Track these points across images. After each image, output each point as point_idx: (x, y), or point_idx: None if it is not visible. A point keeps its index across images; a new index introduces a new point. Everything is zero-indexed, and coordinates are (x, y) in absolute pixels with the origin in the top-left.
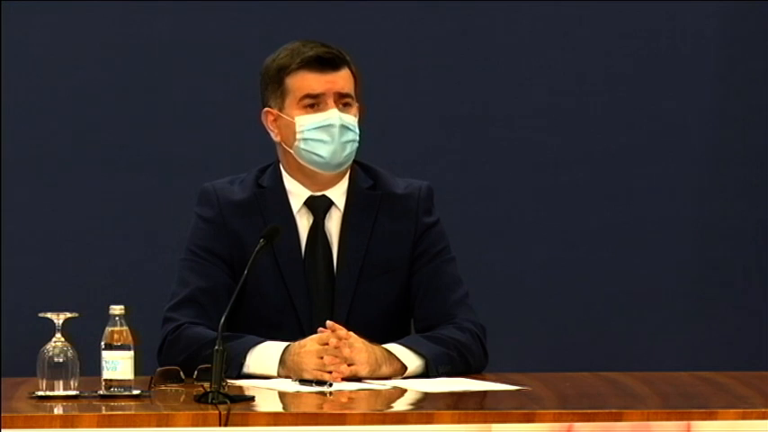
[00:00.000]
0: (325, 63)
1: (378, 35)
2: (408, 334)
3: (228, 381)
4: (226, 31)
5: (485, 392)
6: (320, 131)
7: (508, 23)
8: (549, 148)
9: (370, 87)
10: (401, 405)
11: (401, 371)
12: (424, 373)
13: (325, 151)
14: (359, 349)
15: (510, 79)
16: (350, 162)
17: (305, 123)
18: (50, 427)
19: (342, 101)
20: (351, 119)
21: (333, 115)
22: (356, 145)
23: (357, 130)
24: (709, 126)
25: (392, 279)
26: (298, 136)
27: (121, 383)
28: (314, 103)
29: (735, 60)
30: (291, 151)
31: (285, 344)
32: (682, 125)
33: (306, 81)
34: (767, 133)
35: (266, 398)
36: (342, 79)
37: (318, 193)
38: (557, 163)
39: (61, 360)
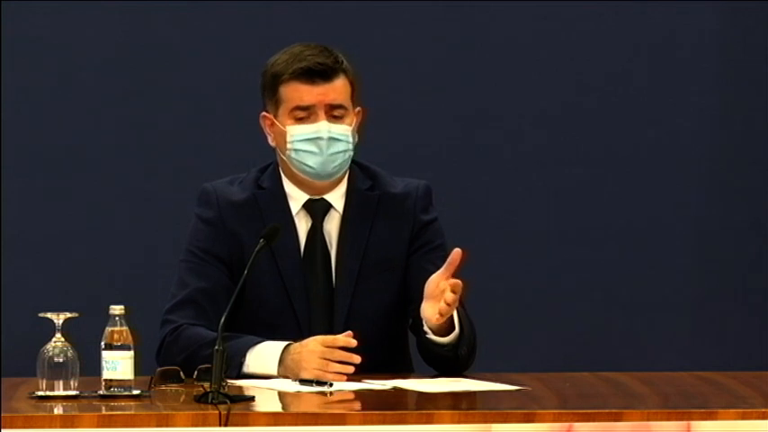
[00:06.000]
0: (317, 75)
1: (378, 35)
2: (407, 333)
3: (228, 381)
4: (226, 31)
5: (485, 392)
6: (308, 143)
7: (508, 23)
8: (550, 148)
9: (372, 88)
10: (401, 405)
11: (448, 329)
12: (453, 344)
13: (313, 162)
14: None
15: (510, 79)
16: (342, 171)
17: (294, 134)
18: (50, 427)
19: (333, 112)
20: (341, 129)
21: (321, 128)
22: (349, 154)
23: (350, 140)
24: (709, 126)
25: (391, 278)
26: (288, 146)
27: (121, 383)
28: (304, 115)
29: (735, 60)
30: (284, 158)
31: (284, 343)
32: (682, 125)
33: (297, 93)
34: (767, 133)
35: (266, 398)
36: (334, 91)
37: (317, 197)
38: (557, 163)
39: (61, 360)
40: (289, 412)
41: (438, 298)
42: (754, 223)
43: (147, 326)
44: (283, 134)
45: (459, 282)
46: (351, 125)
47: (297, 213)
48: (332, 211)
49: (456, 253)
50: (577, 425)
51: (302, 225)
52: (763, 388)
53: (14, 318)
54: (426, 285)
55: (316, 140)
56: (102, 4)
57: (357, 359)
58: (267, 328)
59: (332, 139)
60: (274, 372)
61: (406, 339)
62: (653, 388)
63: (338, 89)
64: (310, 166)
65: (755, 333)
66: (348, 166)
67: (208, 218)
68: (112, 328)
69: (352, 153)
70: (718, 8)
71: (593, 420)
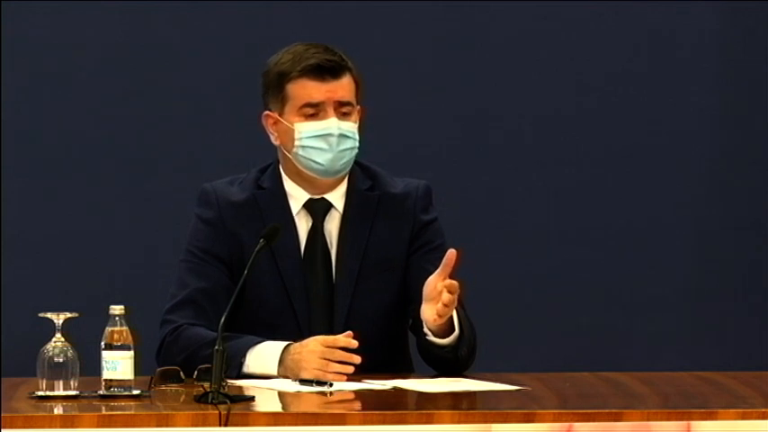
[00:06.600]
0: (326, 71)
1: (378, 35)
2: (407, 333)
3: (228, 381)
4: (226, 31)
5: (485, 392)
6: (318, 140)
7: (508, 23)
8: (550, 148)
9: (372, 88)
10: (401, 405)
11: (448, 330)
12: (452, 346)
13: (322, 159)
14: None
15: (510, 79)
16: (348, 169)
17: (303, 131)
18: (50, 427)
19: (341, 109)
20: (350, 126)
21: (332, 124)
22: (355, 152)
23: (356, 137)
24: (709, 126)
25: (391, 278)
26: (296, 143)
27: (121, 383)
28: (314, 111)
29: (735, 60)
30: (290, 156)
31: (284, 343)
32: (682, 125)
33: (306, 89)
34: (767, 133)
35: (266, 398)
36: (342, 88)
37: (317, 196)
38: (557, 163)
39: (61, 360)
40: (289, 412)
41: (436, 299)
42: (754, 223)
43: (147, 326)
44: (290, 132)
45: (455, 282)
46: (356, 122)
47: (297, 213)
48: (332, 210)
49: (451, 254)
50: (577, 425)
51: (302, 225)
52: (763, 388)
53: (14, 318)
54: (424, 287)
55: (326, 137)
56: (102, 4)
57: (357, 359)
58: (267, 328)
59: (342, 136)
60: (274, 372)
61: (406, 339)
62: (653, 388)
63: (346, 86)
64: (319, 163)
65: (755, 333)
66: (352, 164)
67: (208, 218)
68: (112, 328)
69: (357, 150)
70: (718, 8)
71: (593, 420)
